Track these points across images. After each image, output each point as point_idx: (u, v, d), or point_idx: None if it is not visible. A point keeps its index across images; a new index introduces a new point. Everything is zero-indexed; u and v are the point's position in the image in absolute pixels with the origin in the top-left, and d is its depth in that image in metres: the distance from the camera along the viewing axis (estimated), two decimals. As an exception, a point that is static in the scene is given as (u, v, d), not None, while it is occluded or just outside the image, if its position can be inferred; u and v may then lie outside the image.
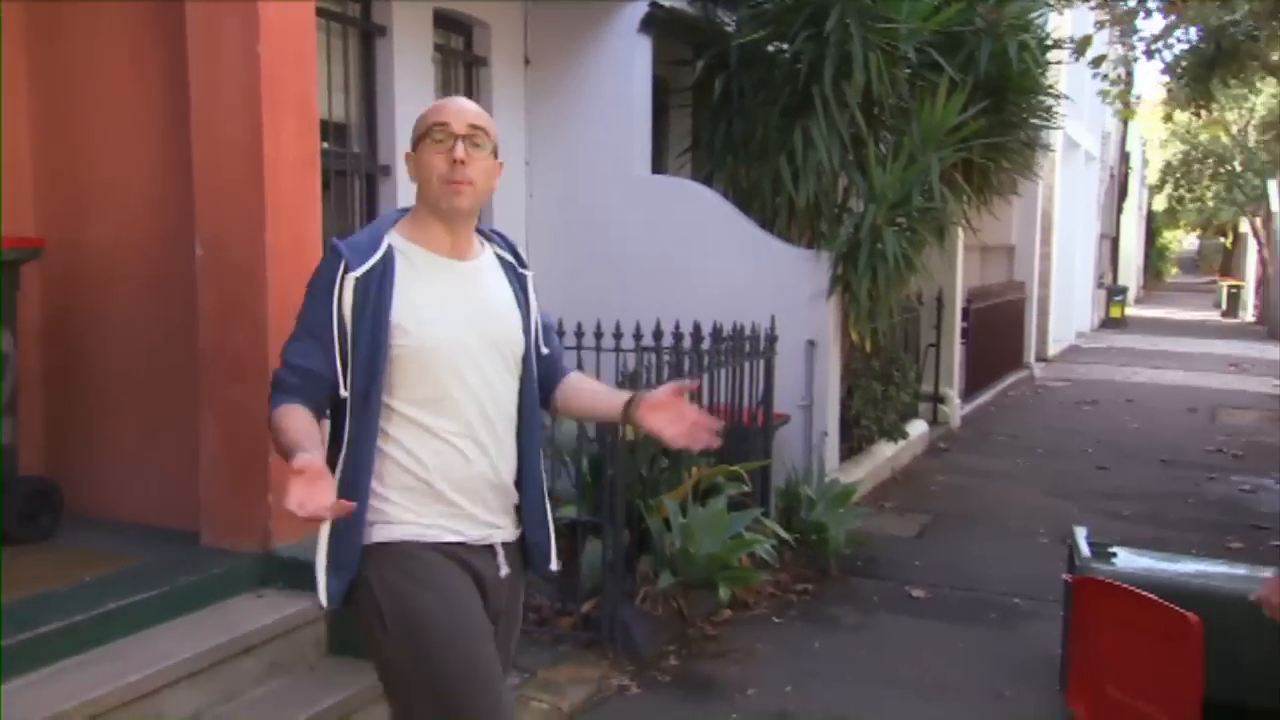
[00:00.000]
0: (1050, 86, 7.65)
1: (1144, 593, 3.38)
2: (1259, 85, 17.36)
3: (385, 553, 1.91)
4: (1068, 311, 17.12)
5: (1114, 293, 22.33)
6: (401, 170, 5.17)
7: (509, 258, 2.11)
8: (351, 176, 5.12)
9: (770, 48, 6.21)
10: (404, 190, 5.23)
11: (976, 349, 10.15)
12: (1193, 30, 8.32)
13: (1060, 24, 8.28)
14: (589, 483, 4.26)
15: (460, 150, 1.91)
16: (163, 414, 3.64)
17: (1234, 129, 24.24)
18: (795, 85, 6.01)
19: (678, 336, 4.75)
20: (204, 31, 3.28)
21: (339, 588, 1.91)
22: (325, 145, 4.78)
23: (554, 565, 2.13)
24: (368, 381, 1.89)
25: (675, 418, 1.97)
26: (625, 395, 2.09)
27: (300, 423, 1.83)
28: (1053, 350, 15.42)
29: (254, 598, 3.20)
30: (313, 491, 1.65)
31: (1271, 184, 18.23)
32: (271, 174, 3.19)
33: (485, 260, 2.06)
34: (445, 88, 5.76)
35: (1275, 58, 8.50)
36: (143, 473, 3.70)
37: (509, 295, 2.06)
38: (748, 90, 6.27)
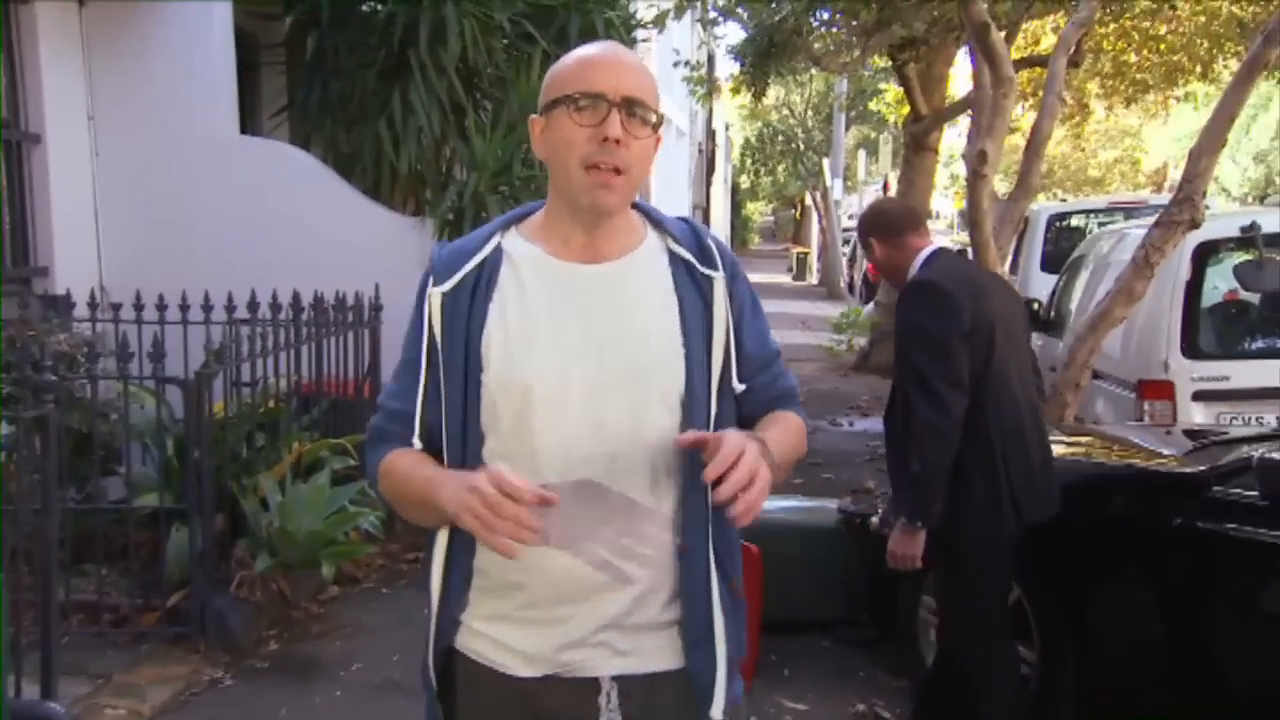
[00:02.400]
0: (639, 64, 8.17)
1: (715, 530, 3.78)
2: (811, 74, 19.71)
3: (459, 681, 1.50)
4: (666, 276, 18.46)
5: (706, 259, 24.40)
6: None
7: (685, 254, 1.49)
8: None
9: (365, 7, 6.05)
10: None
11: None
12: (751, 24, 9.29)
13: (644, 9, 8.86)
14: (175, 467, 3.96)
15: (616, 125, 1.37)
16: None
17: (798, 111, 27.40)
18: (391, 48, 5.90)
19: (275, 308, 4.54)
20: None
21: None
22: None
23: (718, 712, 1.44)
24: (461, 428, 1.43)
25: None
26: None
27: (417, 457, 1.46)
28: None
29: None
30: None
31: (826, 162, 20.86)
32: None
33: (636, 259, 1.48)
34: (-23, 24, 4.99)
35: (818, 47, 9.70)
36: None
37: (669, 308, 1.46)
38: (342, 50, 6.07)
